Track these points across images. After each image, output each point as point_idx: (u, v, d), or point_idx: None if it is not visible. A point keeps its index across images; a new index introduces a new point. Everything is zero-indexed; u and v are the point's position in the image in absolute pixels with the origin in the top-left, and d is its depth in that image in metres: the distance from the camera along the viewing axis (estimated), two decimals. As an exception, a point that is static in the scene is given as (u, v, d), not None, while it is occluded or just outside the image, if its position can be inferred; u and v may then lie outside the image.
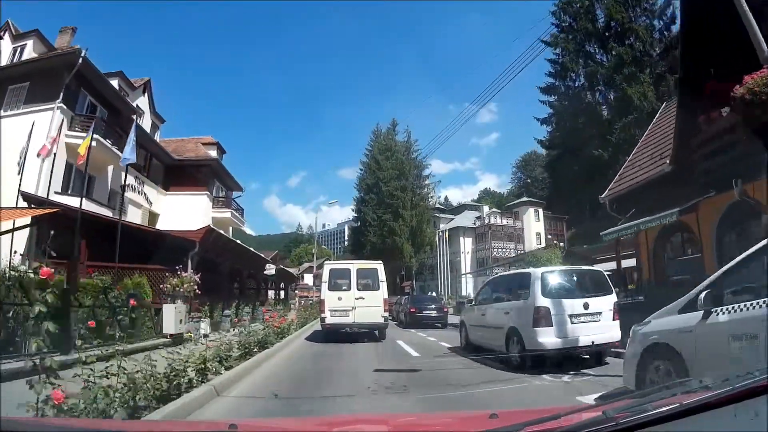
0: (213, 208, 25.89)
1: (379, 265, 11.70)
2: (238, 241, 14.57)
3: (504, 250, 51.72)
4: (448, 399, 4.70)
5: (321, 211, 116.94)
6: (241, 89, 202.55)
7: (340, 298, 11.06)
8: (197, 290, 10.44)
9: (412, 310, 16.22)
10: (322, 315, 11.02)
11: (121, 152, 18.84)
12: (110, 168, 19.48)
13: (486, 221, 53.64)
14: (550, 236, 56.53)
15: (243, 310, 14.90)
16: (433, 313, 16.15)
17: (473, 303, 8.61)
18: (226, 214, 26.05)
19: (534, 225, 56.49)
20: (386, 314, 11.20)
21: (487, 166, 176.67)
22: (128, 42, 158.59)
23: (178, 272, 10.13)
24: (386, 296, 11.28)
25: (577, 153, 22.96)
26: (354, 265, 11.86)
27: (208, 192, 25.24)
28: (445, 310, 16.77)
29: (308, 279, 54.95)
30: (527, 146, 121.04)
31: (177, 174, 24.66)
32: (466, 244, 53.10)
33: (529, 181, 73.69)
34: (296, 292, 44.66)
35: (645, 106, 20.68)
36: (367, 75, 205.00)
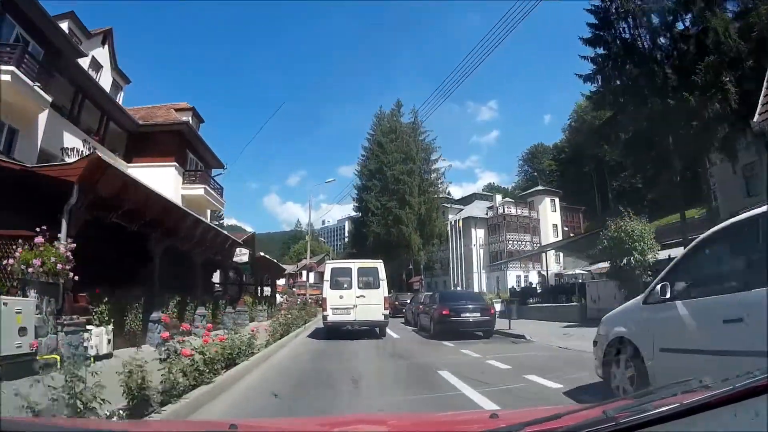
0: (183, 183, 21.02)
1: (379, 264, 11.89)
2: (172, 199, 9.14)
3: (520, 242, 46.80)
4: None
5: (320, 209, 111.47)
6: (241, 89, 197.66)
7: (341, 297, 11.19)
8: (71, 274, 5.54)
9: (444, 312, 11.17)
10: (324, 313, 11.32)
11: (51, 97, 14.40)
12: (41, 120, 14.82)
13: (500, 211, 48.48)
14: (566, 228, 51.85)
15: (193, 313, 9.79)
16: (475, 318, 11.09)
17: (665, 295, 3.59)
18: (198, 191, 21.05)
19: (551, 216, 51.67)
20: (386, 312, 11.47)
21: (487, 164, 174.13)
22: (127, 41, 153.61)
23: (34, 239, 5.22)
24: (387, 294, 11.60)
25: (640, 105, 18.69)
26: (355, 264, 12.10)
27: (176, 163, 20.33)
28: (492, 312, 11.72)
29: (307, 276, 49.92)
30: (527, 143, 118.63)
31: (142, 143, 20.12)
32: (478, 236, 47.90)
33: (536, 174, 69.69)
34: (294, 289, 39.96)
35: (729, 42, 16.44)
36: (367, 74, 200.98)
